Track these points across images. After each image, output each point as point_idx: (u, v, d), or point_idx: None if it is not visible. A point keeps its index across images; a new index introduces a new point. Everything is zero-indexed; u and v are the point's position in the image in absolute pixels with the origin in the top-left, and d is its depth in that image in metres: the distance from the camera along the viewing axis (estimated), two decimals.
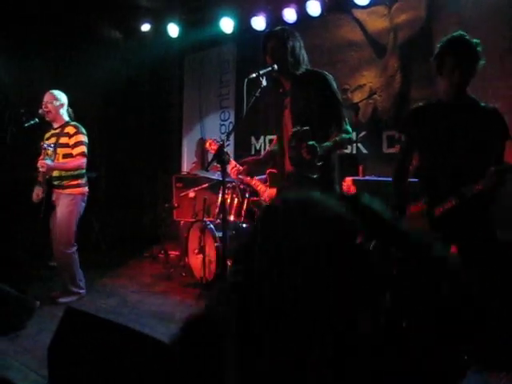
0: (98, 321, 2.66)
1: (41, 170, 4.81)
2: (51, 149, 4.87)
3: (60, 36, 6.85)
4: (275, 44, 3.36)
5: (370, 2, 5.58)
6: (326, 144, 3.19)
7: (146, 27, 7.59)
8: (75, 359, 2.56)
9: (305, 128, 3.14)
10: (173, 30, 7.23)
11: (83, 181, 5.02)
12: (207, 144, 4.85)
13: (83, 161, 4.92)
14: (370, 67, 5.78)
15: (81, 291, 5.03)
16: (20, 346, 3.76)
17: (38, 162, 4.82)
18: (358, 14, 5.84)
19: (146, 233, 7.79)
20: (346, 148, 5.61)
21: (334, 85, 3.38)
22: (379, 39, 5.71)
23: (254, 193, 4.89)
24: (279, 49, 3.33)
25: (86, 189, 5.05)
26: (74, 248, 4.97)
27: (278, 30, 3.44)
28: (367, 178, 4.63)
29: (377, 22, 5.70)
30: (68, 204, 4.89)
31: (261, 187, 4.52)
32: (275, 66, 3.25)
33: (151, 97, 8.18)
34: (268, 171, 3.95)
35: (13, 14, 6.13)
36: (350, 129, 3.39)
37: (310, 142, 3.09)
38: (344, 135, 3.32)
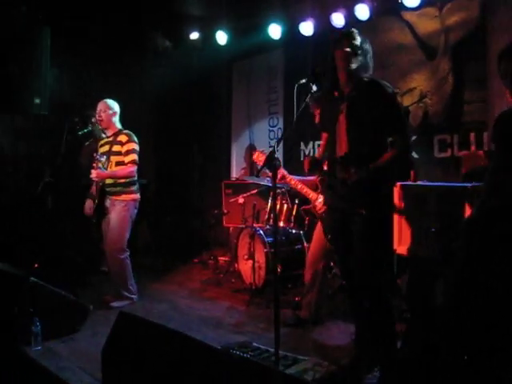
0: (150, 325, 2.70)
1: (93, 178, 4.97)
2: (103, 159, 5.00)
3: (112, 46, 7.02)
4: (344, 46, 3.20)
5: (420, 4, 5.46)
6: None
7: (194, 35, 7.68)
8: (128, 362, 2.60)
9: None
10: (221, 37, 7.28)
11: (135, 187, 5.12)
12: (255, 156, 4.80)
13: (133, 168, 5.02)
14: (421, 70, 5.66)
15: (132, 296, 5.10)
16: (74, 349, 3.84)
17: (92, 171, 4.97)
18: (407, 16, 5.74)
19: (196, 239, 7.84)
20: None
21: (397, 99, 3.31)
22: (430, 41, 5.58)
23: (304, 201, 4.81)
24: (348, 54, 3.18)
25: (138, 195, 5.15)
26: (127, 253, 5.06)
27: (350, 33, 3.27)
28: (419, 183, 4.51)
29: (427, 24, 5.58)
30: (121, 210, 5.00)
31: (312, 195, 4.44)
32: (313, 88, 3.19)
33: (200, 104, 8.25)
34: (319, 178, 3.79)
35: (66, 26, 6.31)
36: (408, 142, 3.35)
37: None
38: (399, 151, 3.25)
